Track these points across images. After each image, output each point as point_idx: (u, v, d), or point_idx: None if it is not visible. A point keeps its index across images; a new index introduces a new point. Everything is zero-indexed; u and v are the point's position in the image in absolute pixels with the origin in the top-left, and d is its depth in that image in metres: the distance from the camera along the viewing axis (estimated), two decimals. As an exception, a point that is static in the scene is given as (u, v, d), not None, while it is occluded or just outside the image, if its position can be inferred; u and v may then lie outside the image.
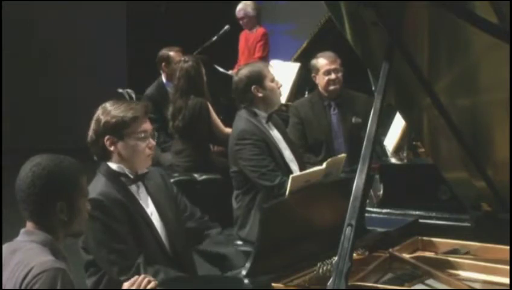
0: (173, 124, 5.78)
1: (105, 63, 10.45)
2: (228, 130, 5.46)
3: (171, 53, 6.65)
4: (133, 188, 3.20)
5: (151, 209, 3.22)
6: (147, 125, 3.20)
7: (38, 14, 10.38)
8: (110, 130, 3.14)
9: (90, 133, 3.20)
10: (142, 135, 3.17)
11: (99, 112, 3.20)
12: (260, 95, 4.39)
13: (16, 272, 2.38)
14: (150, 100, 6.38)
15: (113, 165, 3.18)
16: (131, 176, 3.19)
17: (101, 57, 10.46)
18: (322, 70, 5.22)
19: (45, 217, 2.47)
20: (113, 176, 3.16)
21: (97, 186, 3.12)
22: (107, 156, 3.18)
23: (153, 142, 3.23)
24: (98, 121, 3.18)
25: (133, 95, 8.02)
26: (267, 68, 4.51)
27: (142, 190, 3.23)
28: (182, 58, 5.99)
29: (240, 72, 4.52)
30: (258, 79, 4.40)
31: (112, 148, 3.15)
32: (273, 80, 4.45)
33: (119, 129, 3.13)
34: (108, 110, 3.17)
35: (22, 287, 2.34)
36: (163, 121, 6.04)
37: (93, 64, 10.43)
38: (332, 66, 5.21)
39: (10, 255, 2.44)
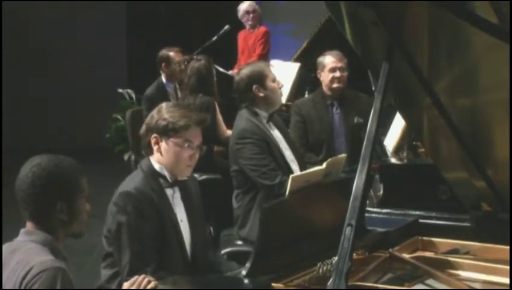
0: None
1: (105, 63, 10.45)
2: (229, 132, 5.46)
3: (171, 53, 6.65)
4: (168, 191, 3.22)
5: (181, 216, 3.24)
6: (195, 137, 3.22)
7: (38, 14, 10.38)
8: (159, 130, 3.19)
9: (144, 126, 3.27)
10: (186, 145, 3.18)
11: (158, 109, 3.25)
12: (261, 94, 4.39)
13: (15, 272, 2.38)
14: (149, 100, 6.39)
15: (155, 164, 3.22)
16: (170, 180, 3.22)
17: (101, 57, 10.46)
18: (327, 68, 5.24)
19: (45, 217, 2.46)
20: (152, 174, 3.20)
21: (134, 181, 3.18)
22: (151, 152, 3.24)
23: (196, 154, 3.24)
24: (153, 117, 3.23)
25: (133, 95, 8.04)
26: (268, 68, 4.51)
27: (177, 196, 3.25)
28: (194, 57, 6.05)
29: (242, 71, 4.53)
30: (259, 79, 4.40)
31: (155, 147, 3.21)
32: (274, 80, 4.45)
33: (166, 132, 3.18)
34: (165, 111, 3.22)
35: (22, 287, 2.34)
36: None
37: (93, 64, 10.43)
38: (339, 64, 5.23)
39: (10, 255, 2.44)
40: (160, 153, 3.19)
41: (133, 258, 3.04)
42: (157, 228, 3.11)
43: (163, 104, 3.28)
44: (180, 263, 3.17)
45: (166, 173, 3.21)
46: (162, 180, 3.21)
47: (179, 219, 3.22)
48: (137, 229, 3.07)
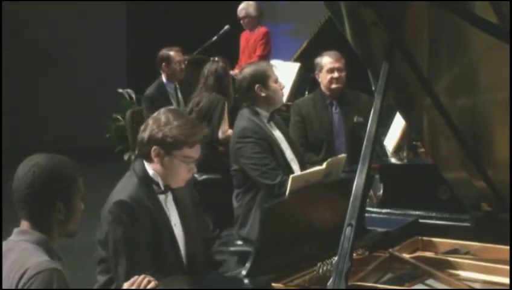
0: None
1: (105, 63, 10.45)
2: (230, 131, 5.48)
3: (171, 53, 6.66)
4: (161, 196, 3.16)
5: (175, 220, 3.19)
6: (196, 152, 3.15)
7: (38, 14, 10.38)
8: (163, 144, 3.09)
9: (144, 134, 3.13)
10: (188, 160, 3.12)
11: (165, 120, 3.11)
12: (263, 94, 4.39)
13: (11, 273, 2.37)
14: (149, 100, 6.40)
15: (149, 170, 3.14)
16: (162, 188, 3.15)
17: (101, 57, 10.47)
18: (325, 68, 5.23)
19: (42, 216, 2.45)
20: (146, 179, 3.12)
21: (128, 188, 3.10)
22: (148, 159, 3.14)
23: (194, 168, 3.18)
24: (159, 129, 3.10)
25: (133, 95, 8.04)
26: (271, 69, 4.51)
27: (170, 199, 3.20)
28: (212, 59, 6.17)
29: (244, 70, 4.53)
30: (262, 79, 4.40)
31: (155, 159, 3.11)
32: (276, 81, 4.45)
33: (171, 148, 3.09)
34: (174, 125, 3.09)
35: (19, 288, 2.33)
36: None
37: (93, 64, 10.44)
38: (336, 65, 5.21)
39: (5, 255, 2.43)
40: (160, 164, 3.11)
41: (129, 267, 2.98)
42: (153, 235, 3.06)
43: (170, 115, 3.13)
44: (175, 268, 3.11)
45: (159, 180, 3.14)
46: (155, 186, 3.14)
47: (173, 223, 3.17)
48: (133, 238, 3.01)
